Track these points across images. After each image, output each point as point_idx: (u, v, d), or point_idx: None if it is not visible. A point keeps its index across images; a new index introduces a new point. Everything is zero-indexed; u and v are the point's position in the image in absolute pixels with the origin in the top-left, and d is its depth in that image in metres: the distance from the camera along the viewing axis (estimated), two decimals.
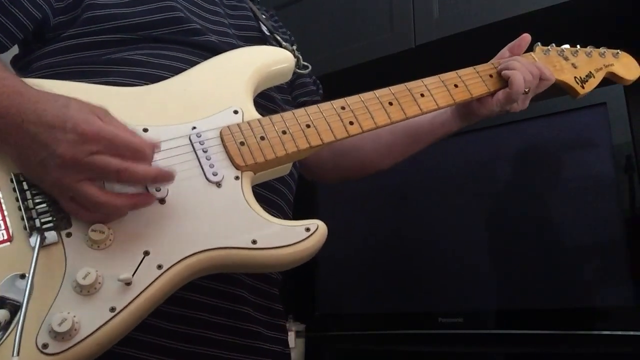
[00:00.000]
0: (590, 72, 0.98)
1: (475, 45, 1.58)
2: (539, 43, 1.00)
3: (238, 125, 0.80)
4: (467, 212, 1.50)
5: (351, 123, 0.84)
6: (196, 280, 0.74)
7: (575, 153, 1.39)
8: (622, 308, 1.21)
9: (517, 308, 1.37)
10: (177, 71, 0.85)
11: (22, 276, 0.66)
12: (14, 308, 0.65)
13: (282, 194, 0.91)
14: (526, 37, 0.98)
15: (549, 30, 1.36)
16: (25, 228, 0.68)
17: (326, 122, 0.83)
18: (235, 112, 0.82)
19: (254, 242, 0.73)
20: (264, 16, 1.03)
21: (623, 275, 1.23)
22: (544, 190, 1.42)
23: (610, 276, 1.27)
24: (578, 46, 1.01)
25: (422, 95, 0.89)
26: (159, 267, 0.69)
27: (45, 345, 0.63)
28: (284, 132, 0.81)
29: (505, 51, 0.99)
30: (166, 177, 0.70)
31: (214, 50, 0.89)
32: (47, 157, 0.65)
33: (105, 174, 0.67)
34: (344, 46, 1.80)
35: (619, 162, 1.29)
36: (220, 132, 0.79)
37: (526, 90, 0.92)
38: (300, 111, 0.84)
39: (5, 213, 0.69)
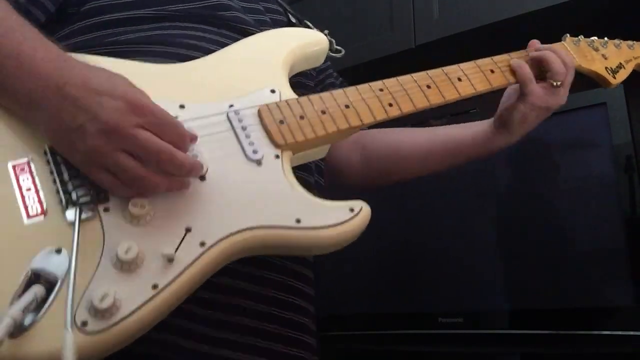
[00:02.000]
0: (620, 63, 0.98)
1: (475, 45, 1.56)
2: (567, 34, 0.99)
3: (276, 103, 0.78)
4: (466, 212, 1.49)
5: (390, 105, 0.82)
6: (231, 264, 0.70)
7: (575, 153, 1.39)
8: (622, 308, 1.20)
9: (517, 308, 1.35)
10: (206, 52, 0.82)
11: (58, 251, 0.62)
12: (50, 284, 0.61)
13: (310, 171, 0.88)
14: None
15: (549, 30, 1.36)
16: (60, 202, 0.64)
17: (365, 104, 0.81)
18: (272, 91, 0.80)
19: (298, 220, 0.70)
20: (286, 8, 1.02)
21: (623, 276, 1.22)
22: (544, 190, 1.41)
23: (610, 276, 1.26)
24: (606, 38, 1.01)
25: (459, 79, 0.88)
26: (202, 244, 0.66)
27: (84, 323, 0.59)
28: (323, 112, 0.79)
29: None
30: (199, 171, 0.68)
31: (242, 27, 0.86)
32: (87, 122, 0.61)
33: (145, 150, 0.63)
34: (344, 46, 1.77)
35: (619, 162, 1.28)
36: (259, 110, 0.77)
37: (556, 83, 0.90)
38: (338, 92, 0.82)
39: (39, 186, 0.65)
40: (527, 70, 0.90)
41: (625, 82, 1.24)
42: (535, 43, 0.97)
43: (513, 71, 0.91)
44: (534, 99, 0.90)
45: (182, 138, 0.66)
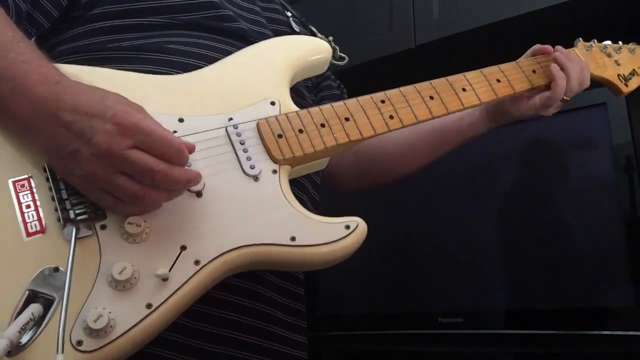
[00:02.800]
0: (633, 69, 0.95)
1: (475, 45, 1.58)
2: (580, 38, 0.97)
3: (276, 117, 0.78)
4: (466, 212, 1.49)
5: (391, 117, 0.82)
6: (225, 279, 0.71)
7: (575, 153, 1.38)
8: (622, 308, 1.20)
9: (517, 308, 1.36)
10: (209, 60, 0.82)
11: (56, 269, 0.64)
12: (48, 302, 0.62)
13: (305, 189, 0.88)
14: (549, 49, 0.95)
15: (549, 30, 1.33)
16: (58, 219, 0.65)
17: (366, 116, 0.81)
18: (272, 103, 0.79)
19: (293, 238, 0.70)
20: (294, 14, 1.01)
21: (623, 276, 1.22)
22: (544, 190, 1.41)
23: (610, 276, 1.26)
24: (620, 42, 0.98)
25: (463, 89, 0.86)
26: (197, 262, 0.67)
27: (79, 342, 0.61)
28: (322, 125, 0.79)
29: (534, 50, 0.96)
30: (197, 180, 0.68)
31: (245, 38, 0.86)
32: (81, 147, 0.62)
33: (138, 171, 0.63)
34: (344, 46, 1.75)
35: (619, 162, 1.28)
36: (258, 124, 0.77)
37: (566, 98, 0.90)
38: (339, 104, 0.81)
39: (38, 204, 0.66)
40: (564, 84, 0.90)
41: None
42: (547, 48, 0.95)
43: (548, 75, 0.91)
44: (549, 111, 0.93)
45: (178, 152, 0.65)
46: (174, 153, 0.65)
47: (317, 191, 0.93)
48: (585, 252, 1.29)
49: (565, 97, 0.90)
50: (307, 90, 0.95)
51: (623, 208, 1.25)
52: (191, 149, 0.67)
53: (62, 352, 0.57)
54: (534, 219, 1.38)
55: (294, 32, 0.97)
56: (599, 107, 1.33)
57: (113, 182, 0.63)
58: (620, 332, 1.17)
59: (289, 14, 1.00)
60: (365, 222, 0.75)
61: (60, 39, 0.85)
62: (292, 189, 0.80)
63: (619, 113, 1.29)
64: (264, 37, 0.89)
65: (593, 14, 1.41)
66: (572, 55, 0.93)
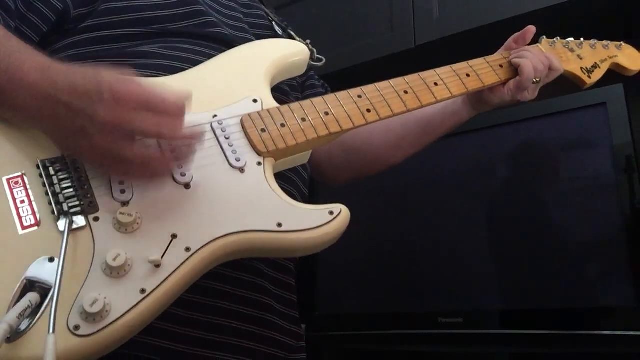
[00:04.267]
0: (595, 62, 1.01)
1: (475, 45, 1.57)
2: (544, 36, 1.02)
3: (258, 113, 0.81)
4: (466, 212, 1.50)
5: (368, 111, 0.86)
6: (219, 269, 0.74)
7: (575, 153, 1.40)
8: (622, 308, 1.21)
9: (517, 308, 1.36)
10: (193, 63, 0.86)
11: (51, 259, 0.66)
12: (44, 291, 0.64)
13: (294, 184, 0.91)
14: (531, 29, 1.00)
15: (549, 30, 1.39)
16: (52, 212, 0.68)
17: (344, 110, 0.85)
18: (255, 100, 0.83)
19: (279, 225, 0.73)
20: (276, 18, 1.06)
21: (623, 275, 1.23)
22: (544, 190, 1.43)
23: (610, 276, 1.27)
24: (582, 39, 1.04)
25: (435, 84, 0.91)
26: (187, 249, 0.69)
27: (76, 327, 0.63)
28: (303, 120, 0.82)
29: (510, 43, 1.02)
30: (199, 137, 0.72)
31: (228, 43, 0.90)
32: (85, 123, 0.65)
33: (145, 131, 0.67)
34: (344, 46, 1.79)
35: (619, 162, 1.30)
36: (241, 120, 0.80)
37: (536, 79, 0.94)
38: (318, 99, 0.85)
39: (32, 198, 0.69)
40: (529, 65, 0.94)
41: (625, 82, 1.27)
42: (511, 44, 1.00)
43: (516, 67, 0.95)
44: (525, 96, 0.96)
45: (176, 106, 0.69)
46: (173, 107, 0.68)
47: (307, 187, 0.96)
48: (585, 252, 1.30)
49: (535, 79, 0.94)
50: (291, 89, 0.99)
51: (623, 208, 1.26)
52: (187, 97, 0.70)
53: (54, 331, 0.59)
54: (534, 219, 1.39)
55: (276, 36, 1.01)
56: (599, 107, 1.35)
57: (121, 152, 0.67)
58: (620, 332, 1.18)
59: (271, 18, 1.04)
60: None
61: (51, 49, 0.88)
62: (282, 184, 0.84)
63: (619, 113, 1.31)
64: (246, 41, 0.93)
65: (593, 14, 1.43)
66: (536, 49, 0.99)
